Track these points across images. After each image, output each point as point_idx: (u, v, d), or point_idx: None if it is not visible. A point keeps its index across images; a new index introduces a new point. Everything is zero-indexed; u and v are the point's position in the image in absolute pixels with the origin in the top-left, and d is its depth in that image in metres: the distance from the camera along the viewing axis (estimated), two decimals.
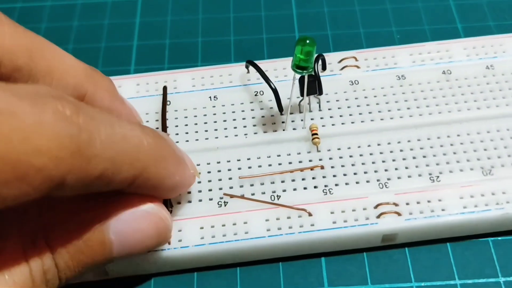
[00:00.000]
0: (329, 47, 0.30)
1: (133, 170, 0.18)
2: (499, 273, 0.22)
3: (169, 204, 0.23)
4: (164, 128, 0.25)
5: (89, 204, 0.19)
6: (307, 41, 0.22)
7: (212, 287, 0.23)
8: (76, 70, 0.21)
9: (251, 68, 0.27)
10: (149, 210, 0.20)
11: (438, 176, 0.23)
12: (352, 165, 0.24)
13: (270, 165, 0.24)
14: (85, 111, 0.16)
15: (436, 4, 0.31)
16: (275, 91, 0.25)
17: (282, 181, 0.24)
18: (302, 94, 0.25)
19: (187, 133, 0.25)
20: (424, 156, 0.24)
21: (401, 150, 0.24)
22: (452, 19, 0.30)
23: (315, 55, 0.26)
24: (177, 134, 0.25)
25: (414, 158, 0.24)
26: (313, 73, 0.24)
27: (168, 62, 0.29)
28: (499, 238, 0.23)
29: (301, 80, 0.24)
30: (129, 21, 0.31)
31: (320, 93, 0.25)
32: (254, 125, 0.25)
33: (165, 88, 0.27)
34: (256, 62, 0.26)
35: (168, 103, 0.26)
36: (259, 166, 0.24)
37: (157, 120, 0.26)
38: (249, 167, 0.24)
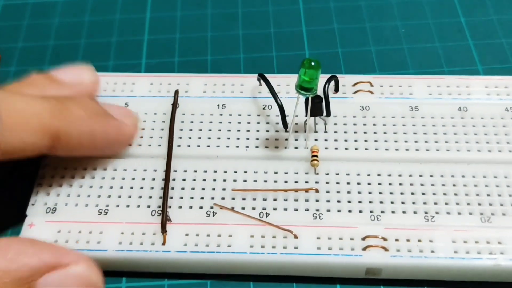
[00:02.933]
0: (340, 64, 0.30)
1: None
2: None
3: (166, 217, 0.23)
4: (171, 131, 0.25)
5: None
6: (312, 63, 0.22)
7: None
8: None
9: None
10: (76, 273, 0.19)
11: (433, 216, 0.23)
12: (348, 192, 0.24)
13: (265, 181, 0.24)
14: None
15: (457, 44, 0.30)
16: (281, 107, 0.25)
17: (275, 199, 0.24)
18: (307, 114, 0.24)
19: (190, 137, 0.26)
20: (423, 193, 0.23)
21: (400, 184, 0.24)
22: (472, 61, 0.30)
23: (329, 76, 0.26)
24: (180, 137, 0.25)
25: (412, 194, 0.23)
26: (318, 95, 0.23)
27: (178, 55, 0.30)
28: None
29: (307, 101, 0.24)
30: (140, 16, 0.31)
31: (328, 114, 0.25)
32: (257, 139, 0.25)
33: (176, 92, 0.27)
34: (271, 75, 0.26)
35: (177, 105, 0.27)
36: (255, 181, 0.24)
37: (163, 122, 0.26)
38: (244, 180, 0.24)
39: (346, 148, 0.25)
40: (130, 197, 0.24)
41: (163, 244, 0.22)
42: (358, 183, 0.24)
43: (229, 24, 0.32)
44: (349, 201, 0.23)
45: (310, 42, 0.30)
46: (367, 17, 0.31)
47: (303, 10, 0.32)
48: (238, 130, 0.26)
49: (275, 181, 0.24)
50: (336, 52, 0.30)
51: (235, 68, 0.30)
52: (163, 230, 0.23)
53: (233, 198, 0.24)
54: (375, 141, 0.25)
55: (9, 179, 0.26)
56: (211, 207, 0.23)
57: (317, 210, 0.23)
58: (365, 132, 0.25)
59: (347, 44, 0.30)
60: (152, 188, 0.24)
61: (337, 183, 0.24)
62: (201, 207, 0.23)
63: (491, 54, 0.30)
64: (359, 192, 0.24)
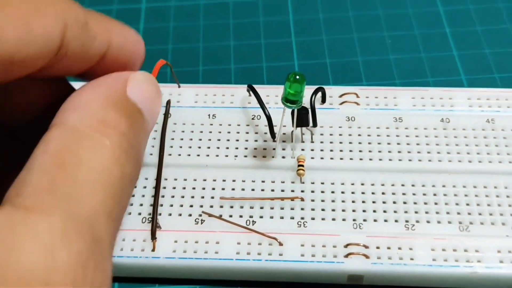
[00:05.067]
0: (328, 74, 0.31)
1: None
2: None
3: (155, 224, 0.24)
4: (163, 141, 0.26)
5: None
6: (297, 77, 0.22)
7: None
8: None
9: None
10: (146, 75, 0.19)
11: (413, 225, 0.24)
12: (332, 201, 0.24)
13: (253, 189, 0.25)
14: None
15: (441, 54, 0.31)
16: (268, 118, 0.26)
17: (261, 207, 0.24)
18: (294, 125, 0.25)
19: (180, 147, 0.26)
20: (404, 202, 0.24)
21: (383, 193, 0.25)
22: (456, 71, 0.30)
23: (316, 87, 0.27)
24: (171, 146, 0.26)
25: (394, 202, 0.24)
26: (304, 106, 0.24)
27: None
28: None
29: (293, 112, 0.25)
30: (133, 26, 0.32)
31: (314, 125, 0.26)
32: (246, 148, 0.26)
33: (168, 102, 0.28)
34: (260, 86, 0.27)
35: (169, 115, 0.27)
36: (242, 189, 0.25)
37: (155, 131, 0.27)
38: (233, 189, 0.25)
39: (331, 158, 0.26)
40: None
41: (153, 250, 0.23)
42: (342, 192, 0.25)
43: (220, 35, 0.32)
44: (333, 210, 0.24)
45: (299, 52, 0.31)
46: (355, 28, 0.32)
47: (293, 22, 0.33)
48: (228, 140, 0.27)
49: (262, 190, 0.25)
50: (324, 63, 0.31)
51: (226, 78, 0.30)
52: (153, 237, 0.24)
53: (221, 206, 0.24)
54: (360, 151, 0.26)
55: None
56: (200, 215, 0.24)
57: (302, 218, 0.24)
58: (350, 143, 0.26)
59: (335, 55, 0.31)
60: (143, 196, 0.25)
61: (322, 192, 0.25)
62: (190, 215, 0.24)
63: (475, 64, 0.30)
64: (343, 201, 0.24)
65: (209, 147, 0.26)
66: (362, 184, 0.25)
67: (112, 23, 0.17)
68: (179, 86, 0.27)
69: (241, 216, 0.24)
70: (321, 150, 0.26)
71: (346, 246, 0.23)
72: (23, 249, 0.12)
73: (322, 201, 0.24)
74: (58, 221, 0.12)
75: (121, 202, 0.14)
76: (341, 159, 0.26)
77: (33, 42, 0.14)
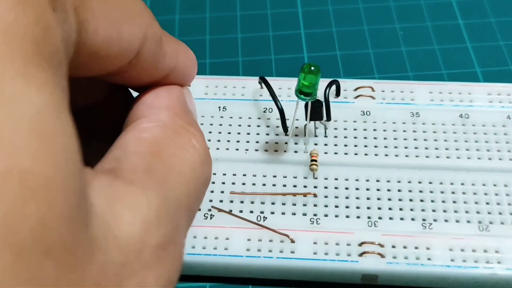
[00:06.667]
0: (338, 67, 0.30)
1: None
2: None
3: None
4: None
5: None
6: (312, 68, 0.22)
7: None
8: None
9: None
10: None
11: (431, 224, 0.23)
12: (346, 197, 0.24)
13: (264, 184, 0.24)
14: None
15: (455, 46, 0.30)
16: (281, 111, 0.25)
17: (273, 203, 0.24)
18: (307, 119, 0.24)
19: None
20: (421, 200, 0.23)
21: (399, 190, 0.24)
22: (470, 63, 0.29)
23: (330, 80, 0.26)
24: None
25: (411, 200, 0.23)
26: (318, 99, 0.23)
27: None
28: None
29: (307, 105, 0.24)
30: None
31: (328, 119, 0.25)
32: (257, 142, 0.25)
33: None
34: (272, 78, 0.26)
35: None
36: (253, 184, 0.24)
37: None
38: (243, 183, 0.24)
39: (345, 153, 0.25)
40: None
41: None
42: (357, 189, 0.24)
43: (227, 27, 0.32)
44: (347, 207, 0.23)
45: (308, 45, 0.30)
46: (366, 20, 0.31)
47: (302, 13, 0.32)
48: (238, 133, 0.26)
49: (274, 185, 0.24)
50: (335, 55, 0.30)
51: (234, 71, 0.30)
52: None
53: (231, 201, 0.24)
54: (375, 146, 0.25)
55: None
56: (209, 210, 0.23)
57: (315, 215, 0.23)
58: (365, 138, 0.25)
59: (346, 47, 0.30)
60: None
61: (336, 188, 0.24)
62: (199, 209, 0.23)
63: (490, 56, 0.29)
64: (357, 198, 0.24)
65: (219, 140, 0.25)
66: (377, 181, 0.24)
67: (179, 44, 0.18)
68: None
69: (251, 212, 0.23)
70: (335, 145, 0.25)
71: (360, 244, 0.22)
72: (123, 217, 0.12)
73: (336, 197, 0.24)
74: (155, 200, 0.13)
75: (198, 201, 0.15)
76: (355, 154, 0.25)
77: (118, 44, 0.15)
